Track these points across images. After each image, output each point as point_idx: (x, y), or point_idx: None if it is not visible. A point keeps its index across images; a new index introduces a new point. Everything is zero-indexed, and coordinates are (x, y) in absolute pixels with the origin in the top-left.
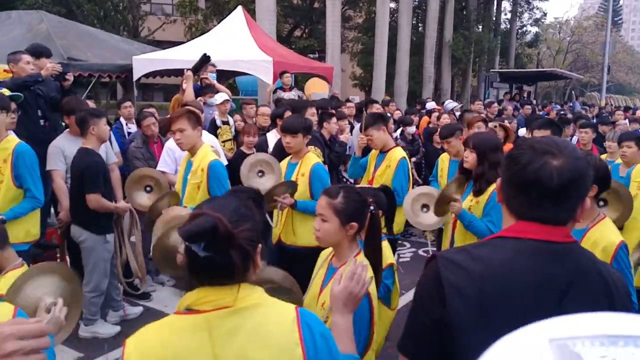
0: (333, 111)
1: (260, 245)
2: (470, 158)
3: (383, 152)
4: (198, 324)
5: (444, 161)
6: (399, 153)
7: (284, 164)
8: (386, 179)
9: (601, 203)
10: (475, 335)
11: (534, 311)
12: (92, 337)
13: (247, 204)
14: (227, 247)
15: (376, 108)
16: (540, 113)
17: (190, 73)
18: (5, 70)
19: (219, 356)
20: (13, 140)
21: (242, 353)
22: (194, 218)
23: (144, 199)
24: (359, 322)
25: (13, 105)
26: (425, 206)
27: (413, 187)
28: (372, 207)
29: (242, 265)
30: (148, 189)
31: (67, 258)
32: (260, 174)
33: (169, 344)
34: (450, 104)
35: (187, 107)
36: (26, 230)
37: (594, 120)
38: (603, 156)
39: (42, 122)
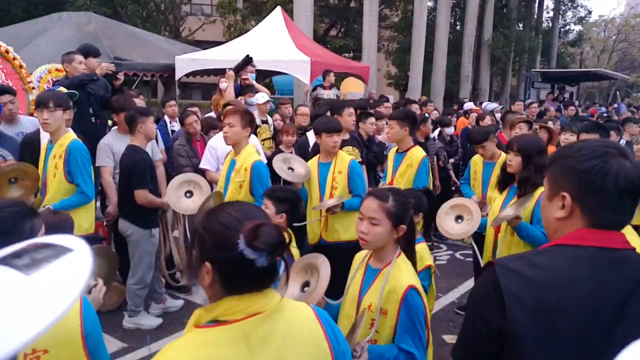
0: (371, 111)
1: None
2: (514, 162)
3: (401, 152)
4: (233, 334)
5: (477, 163)
6: (420, 152)
7: (313, 163)
8: (408, 178)
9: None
10: (536, 344)
11: (594, 321)
12: (136, 328)
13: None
14: (281, 254)
15: (414, 108)
16: (584, 115)
17: (232, 73)
18: (57, 70)
19: None
20: (69, 137)
21: (279, 356)
22: (258, 228)
23: (188, 203)
24: (418, 322)
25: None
26: (459, 217)
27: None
28: (410, 210)
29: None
30: (188, 194)
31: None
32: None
33: (205, 359)
34: (489, 105)
35: (241, 107)
36: (78, 224)
37: None
38: None
39: (93, 119)
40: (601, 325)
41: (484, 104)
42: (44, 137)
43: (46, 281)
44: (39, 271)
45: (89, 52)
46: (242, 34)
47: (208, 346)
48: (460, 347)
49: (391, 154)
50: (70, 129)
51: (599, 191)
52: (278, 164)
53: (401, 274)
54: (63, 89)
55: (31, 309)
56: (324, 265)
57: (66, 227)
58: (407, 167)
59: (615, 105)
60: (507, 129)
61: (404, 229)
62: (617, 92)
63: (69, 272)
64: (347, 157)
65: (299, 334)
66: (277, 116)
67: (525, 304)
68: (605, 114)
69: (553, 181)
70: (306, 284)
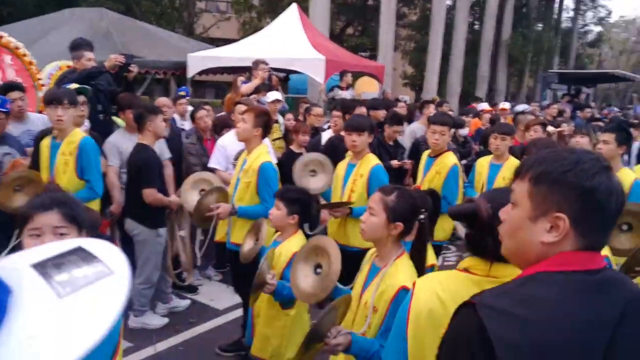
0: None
1: None
2: None
3: (432, 156)
4: (472, 282)
5: (482, 165)
6: (450, 159)
7: (343, 164)
8: (436, 185)
9: (625, 227)
10: None
11: (589, 355)
12: (141, 327)
13: None
14: (483, 232)
15: (432, 109)
16: (599, 117)
17: (263, 74)
18: (68, 66)
19: None
20: (79, 134)
21: None
22: (466, 201)
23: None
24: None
25: (82, 98)
26: (312, 171)
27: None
28: (422, 217)
29: (493, 249)
30: (203, 192)
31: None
32: (312, 173)
33: (448, 289)
34: (519, 106)
35: (262, 107)
36: None
37: None
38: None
39: (102, 116)
40: (596, 358)
41: (506, 105)
42: None
43: (76, 310)
44: (72, 296)
45: (82, 46)
46: (257, 32)
47: (455, 282)
48: None
49: (423, 157)
50: (86, 124)
51: (602, 211)
52: (299, 168)
53: (398, 274)
54: (74, 86)
55: (48, 347)
56: (331, 246)
57: (95, 225)
58: (435, 174)
59: (631, 107)
60: (520, 130)
61: (400, 227)
62: (634, 94)
63: (102, 303)
64: (373, 161)
65: None
66: (289, 116)
67: (519, 350)
68: (622, 117)
69: (543, 199)
70: (318, 266)
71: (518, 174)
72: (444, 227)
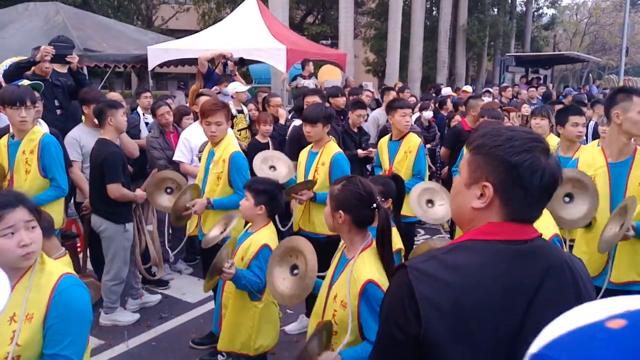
0: (363, 101)
1: None
2: None
3: (396, 140)
4: None
5: None
6: (417, 138)
7: (304, 152)
8: (407, 164)
9: (566, 199)
10: (454, 349)
11: (507, 319)
12: (112, 324)
13: None
14: None
15: (392, 95)
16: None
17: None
18: None
19: None
20: (39, 131)
21: None
22: None
23: (165, 201)
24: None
25: (36, 94)
26: (429, 201)
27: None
28: (375, 205)
29: None
30: (169, 190)
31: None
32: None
33: None
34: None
35: (222, 102)
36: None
37: None
38: (594, 143)
39: (58, 111)
40: (513, 323)
41: (468, 88)
42: None
43: None
44: None
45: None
46: (216, 22)
47: None
48: (378, 354)
49: (384, 143)
50: (41, 121)
51: (524, 187)
52: (258, 165)
53: (363, 268)
54: (26, 82)
55: None
56: (304, 244)
57: (49, 229)
58: (405, 154)
59: (587, 87)
60: (470, 115)
61: (342, 215)
62: (590, 74)
63: None
64: (334, 149)
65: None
66: (251, 106)
67: (441, 309)
68: (577, 97)
69: (476, 168)
70: (294, 267)
71: (467, 145)
72: None
